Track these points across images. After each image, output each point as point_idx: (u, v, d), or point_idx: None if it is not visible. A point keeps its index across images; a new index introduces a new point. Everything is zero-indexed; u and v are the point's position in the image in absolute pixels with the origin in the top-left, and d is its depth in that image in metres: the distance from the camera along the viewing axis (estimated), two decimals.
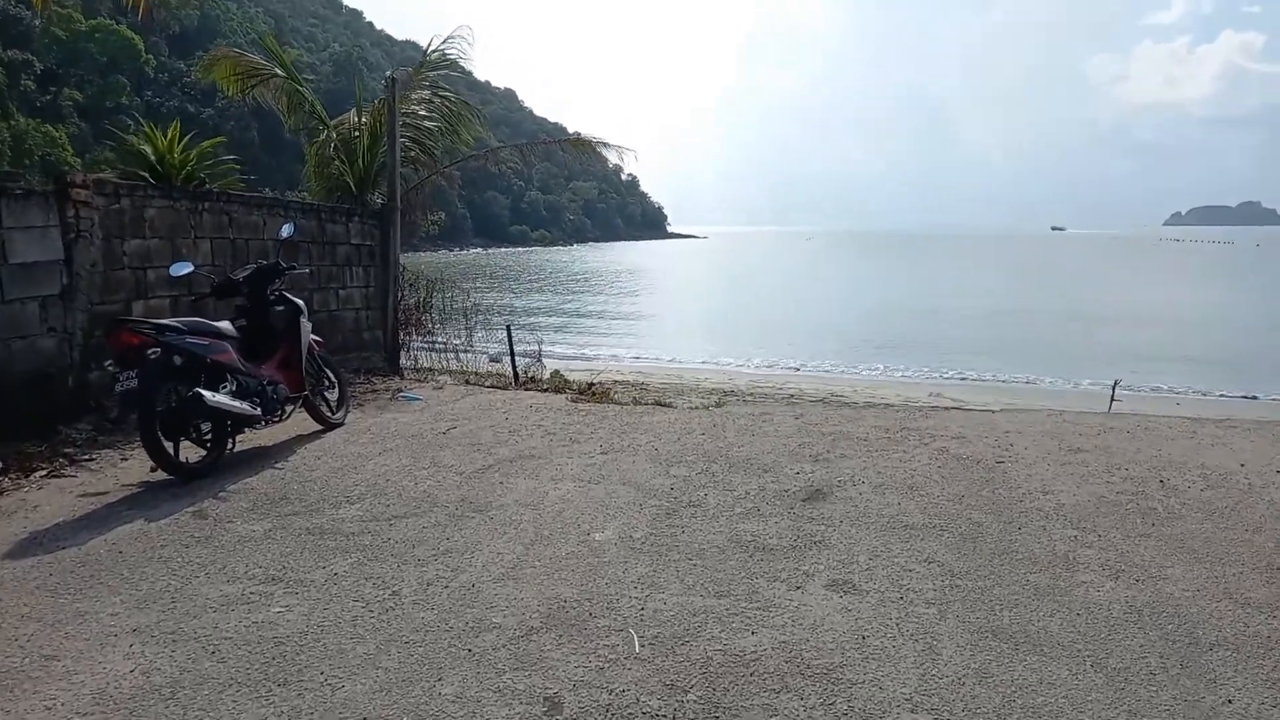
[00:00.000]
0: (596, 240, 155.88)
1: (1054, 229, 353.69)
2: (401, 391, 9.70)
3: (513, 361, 11.96)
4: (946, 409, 10.29)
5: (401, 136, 11.05)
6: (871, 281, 63.57)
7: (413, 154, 11.89)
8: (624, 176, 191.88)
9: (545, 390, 10.79)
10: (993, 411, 9.74)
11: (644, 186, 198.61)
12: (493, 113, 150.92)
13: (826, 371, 23.93)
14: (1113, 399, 14.47)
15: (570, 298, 47.19)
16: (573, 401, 9.56)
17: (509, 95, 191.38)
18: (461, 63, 12.23)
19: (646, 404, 9.85)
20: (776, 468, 6.62)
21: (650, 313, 40.57)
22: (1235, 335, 31.19)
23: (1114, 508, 5.65)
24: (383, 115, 11.07)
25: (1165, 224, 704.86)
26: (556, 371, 12.73)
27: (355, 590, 4.35)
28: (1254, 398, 19.61)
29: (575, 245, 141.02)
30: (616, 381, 17.85)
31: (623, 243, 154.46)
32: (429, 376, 11.29)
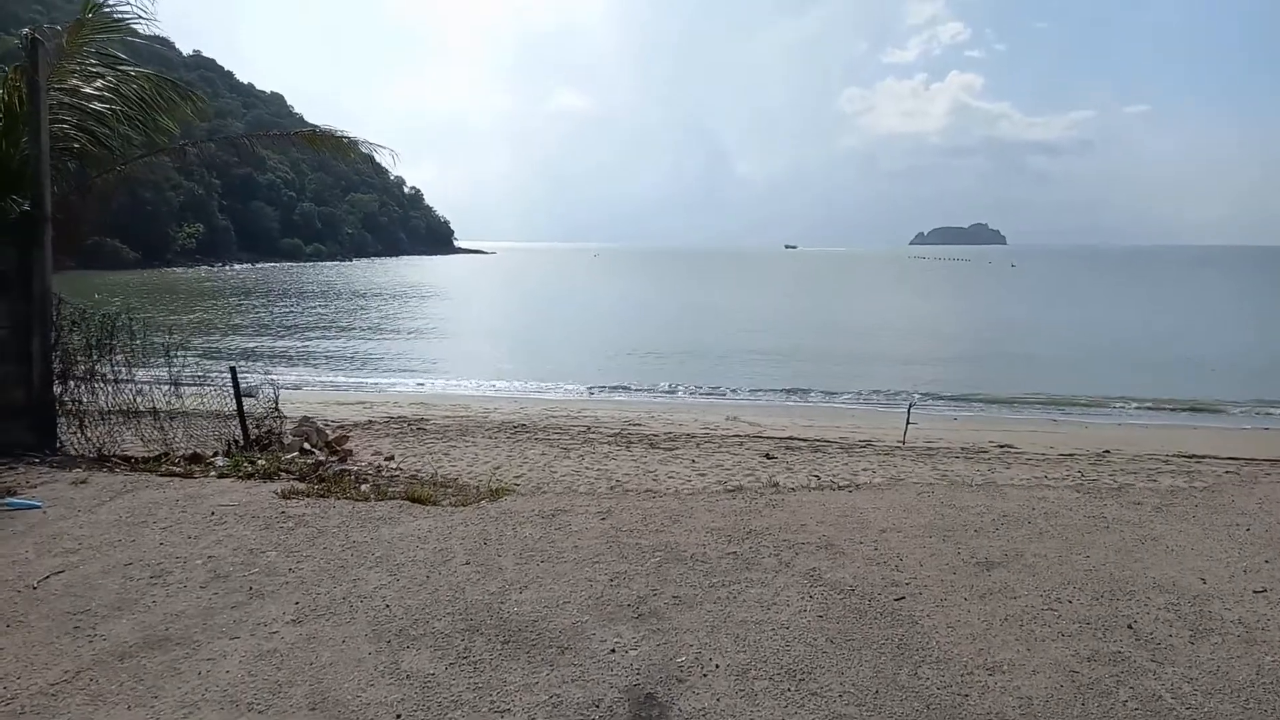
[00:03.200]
0: (378, 255, 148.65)
1: (787, 247, 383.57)
2: (6, 497, 6.64)
3: (240, 416, 9.15)
4: (793, 490, 8.00)
5: (60, 122, 8.39)
6: (652, 296, 64.41)
7: (78, 145, 8.92)
8: (407, 189, 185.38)
9: (251, 476, 7.82)
10: (848, 491, 8.01)
11: (429, 200, 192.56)
12: (257, 117, 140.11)
13: (621, 395, 23.07)
14: (908, 422, 14.45)
15: (345, 318, 43.65)
16: (284, 497, 6.91)
17: (276, 99, 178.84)
18: (141, 26, 9.10)
19: (395, 496, 7.12)
20: (579, 642, 4.39)
21: (435, 334, 38.16)
22: (989, 342, 34.13)
23: (1103, 698, 4.03)
24: (20, 88, 8.39)
25: (911, 243, 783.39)
26: (306, 419, 10.68)
27: None
28: (1023, 404, 20.87)
29: (355, 260, 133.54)
30: (390, 420, 15.89)
31: (407, 258, 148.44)
32: (100, 452, 8.34)
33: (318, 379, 24.87)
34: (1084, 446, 14.40)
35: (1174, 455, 13.54)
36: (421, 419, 16.19)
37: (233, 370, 8.78)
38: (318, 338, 34.76)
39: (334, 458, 9.62)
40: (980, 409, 21.50)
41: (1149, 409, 21.20)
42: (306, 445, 9.85)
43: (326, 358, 29.26)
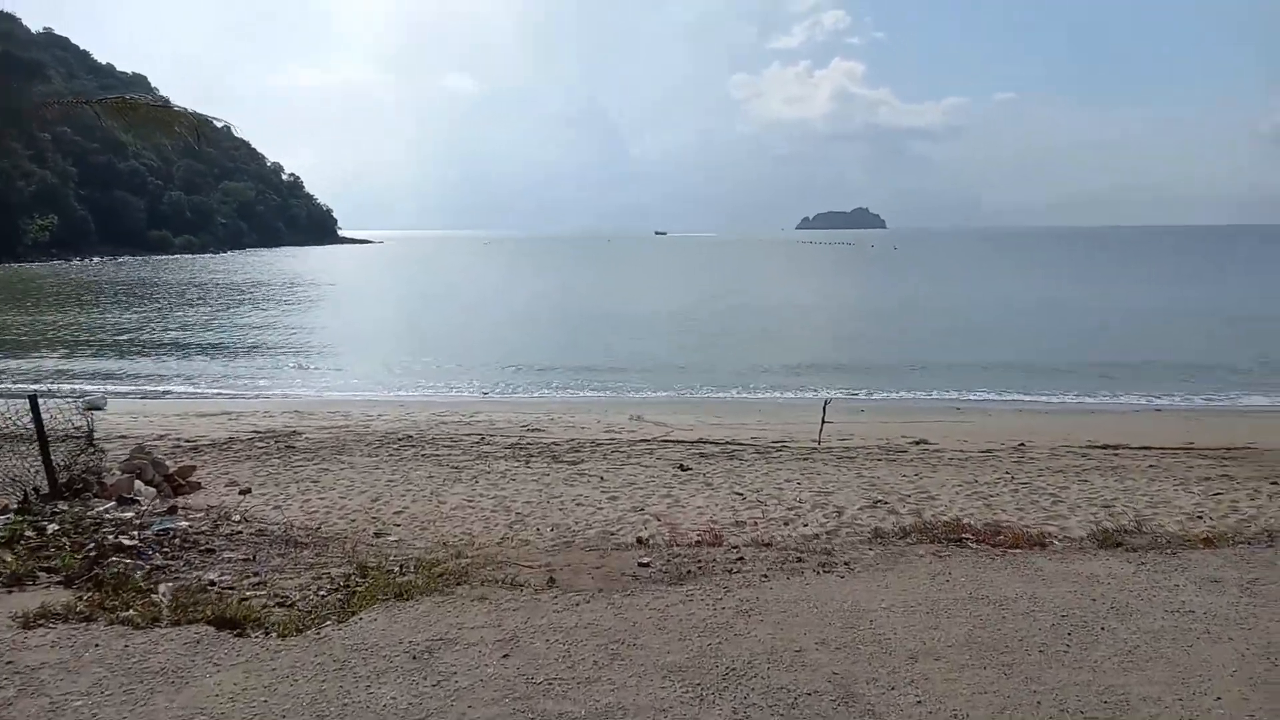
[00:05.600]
0: (255, 246, 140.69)
1: (657, 233, 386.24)
2: None
3: (44, 456, 6.96)
4: (764, 577, 5.35)
5: None
6: (544, 287, 62.83)
7: None
8: (286, 176, 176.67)
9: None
10: (839, 576, 5.47)
11: (311, 187, 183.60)
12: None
13: (516, 394, 21.71)
14: (824, 421, 13.71)
15: (213, 317, 40.39)
16: (26, 626, 4.55)
17: (138, 81, 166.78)
18: None
19: (200, 618, 4.61)
20: None
21: (314, 332, 35.64)
22: (877, 326, 34.42)
23: None
24: None
25: (798, 227, 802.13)
26: (140, 448, 8.96)
27: None
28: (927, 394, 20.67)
29: (230, 252, 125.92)
30: (255, 435, 14.07)
31: (286, 248, 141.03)
32: None
33: (177, 388, 22.46)
34: (996, 439, 14.02)
35: (1088, 446, 13.30)
36: (293, 432, 14.48)
37: (32, 400, 6.92)
38: (181, 339, 31.83)
39: (172, 499, 8.03)
40: (883, 398, 21.25)
41: (1041, 391, 21.42)
42: (139, 483, 8.21)
43: (190, 363, 26.66)
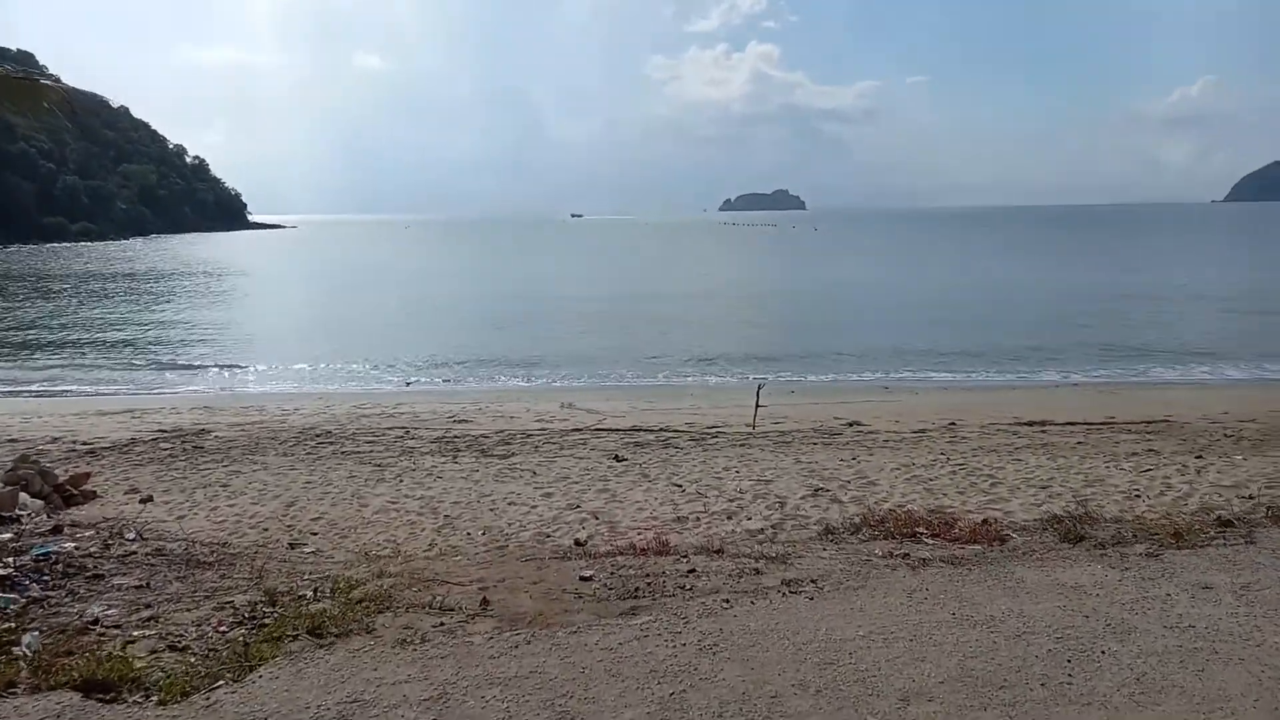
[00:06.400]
0: (160, 232, 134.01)
1: (573, 215, 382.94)
2: None
3: None
4: (727, 604, 4.80)
5: None
6: (466, 269, 61.56)
7: None
8: (190, 159, 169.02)
9: None
10: (807, 597, 4.96)
11: (217, 170, 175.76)
12: None
13: (443, 382, 21.02)
14: (757, 405, 13.53)
15: (118, 307, 38.19)
16: None
17: (24, 57, 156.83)
18: None
19: (65, 683, 3.87)
20: None
21: (227, 321, 33.98)
22: (802, 304, 34.75)
23: None
24: None
25: (720, 209, 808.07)
26: (25, 458, 8.13)
27: None
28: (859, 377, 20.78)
29: (132, 239, 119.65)
30: (161, 435, 13.13)
31: (192, 234, 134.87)
32: None
33: (71, 386, 21.03)
34: (927, 418, 14.08)
35: (1016, 423, 13.45)
36: (202, 430, 13.61)
37: None
38: (79, 333, 29.93)
39: (63, 512, 7.29)
40: (813, 377, 21.33)
41: (964, 368, 21.83)
42: (24, 496, 7.44)
43: (89, 358, 25.04)
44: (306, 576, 5.02)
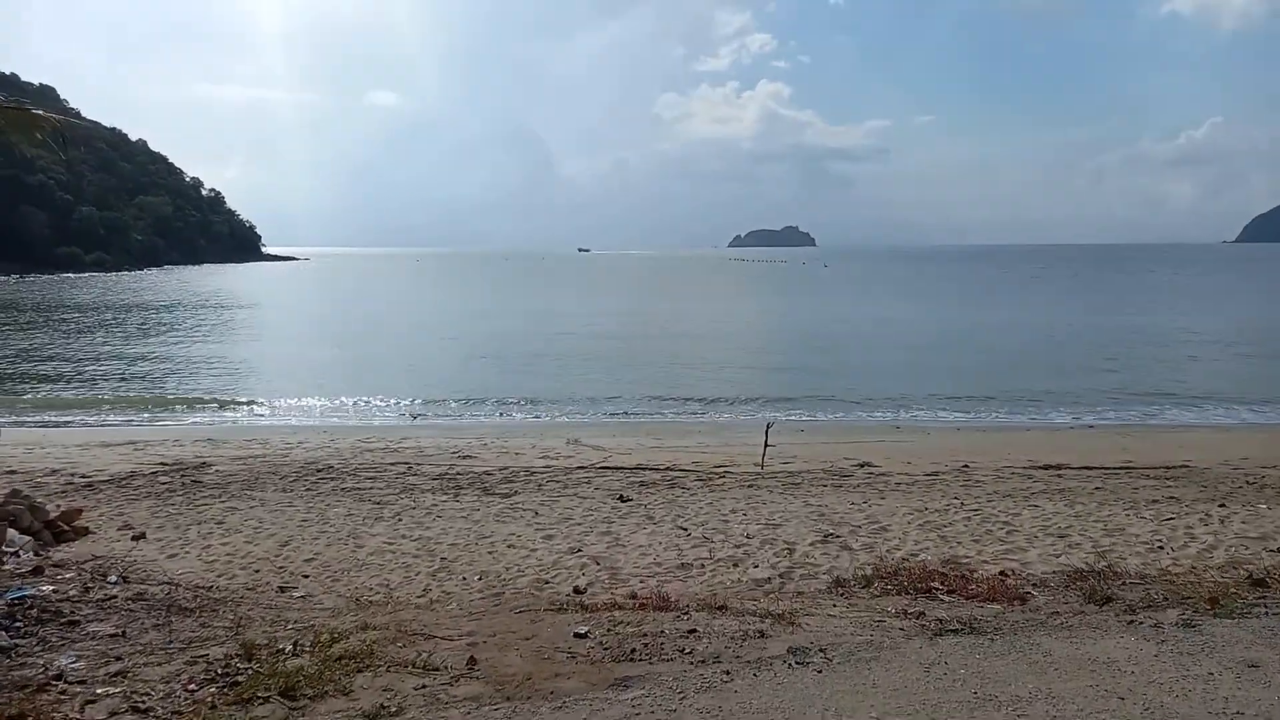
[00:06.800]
0: (175, 264, 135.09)
1: (580, 250, 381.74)
2: None
3: None
4: (728, 677, 4.22)
5: None
6: (481, 305, 61.56)
7: None
8: (205, 191, 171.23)
9: None
10: (815, 670, 4.57)
11: (233, 203, 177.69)
12: None
13: (446, 417, 20.84)
14: (766, 445, 13.27)
15: (130, 337, 38.27)
16: None
17: (47, 92, 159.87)
18: None
19: None
20: None
21: (237, 353, 33.94)
22: (815, 341, 34.49)
23: None
24: None
25: (730, 245, 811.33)
26: (16, 494, 7.92)
27: None
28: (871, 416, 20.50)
29: (147, 270, 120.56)
30: (161, 467, 12.91)
31: (208, 265, 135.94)
32: None
33: (77, 416, 20.93)
34: (940, 460, 13.78)
35: (1031, 466, 13.14)
36: (203, 463, 13.44)
37: None
38: (89, 362, 29.94)
39: (52, 549, 7.10)
40: (823, 415, 21.06)
41: (976, 409, 21.49)
42: (13, 532, 7.24)
43: (98, 387, 24.98)
44: (290, 625, 4.78)
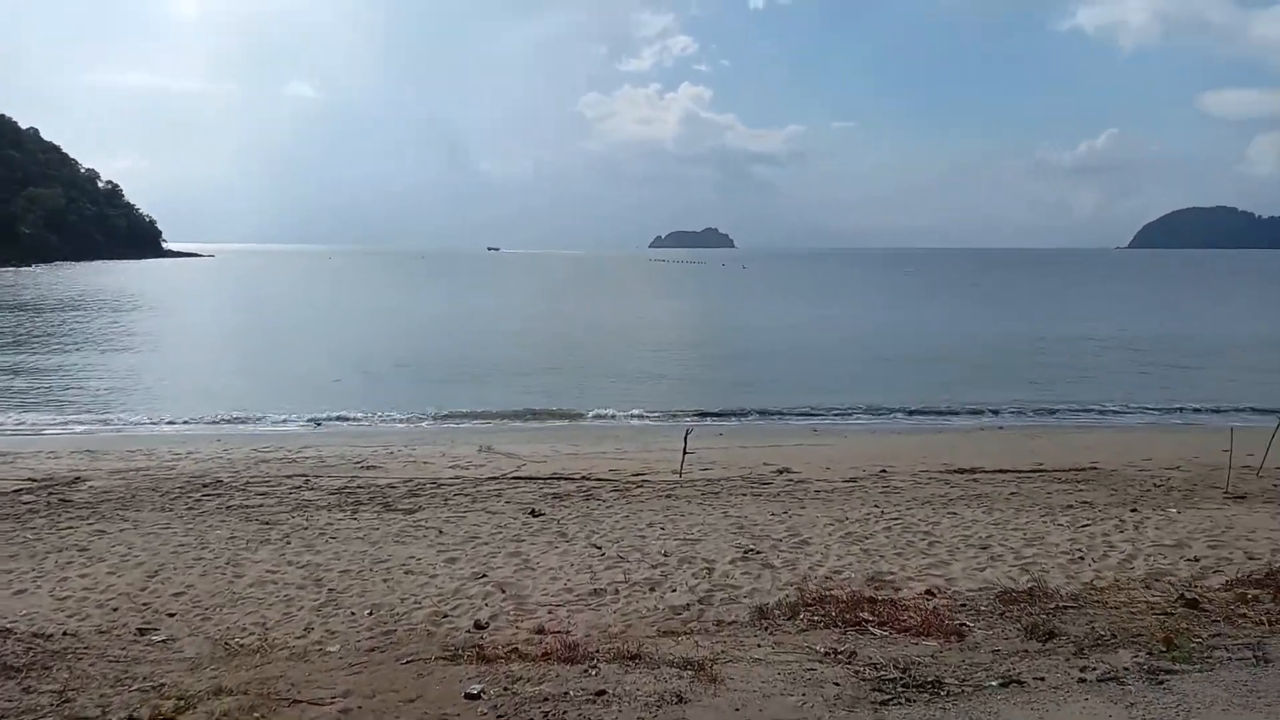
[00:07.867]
0: (67, 259, 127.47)
1: (489, 249, 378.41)
2: None
3: None
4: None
5: None
6: (387, 303, 59.84)
7: None
8: (102, 183, 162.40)
9: None
10: None
11: (133, 196, 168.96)
12: None
13: (352, 423, 19.84)
14: (685, 452, 12.89)
15: (9, 342, 35.62)
16: None
17: None
18: None
19: None
20: None
21: (128, 357, 31.86)
22: (727, 343, 34.49)
23: None
24: None
25: (651, 245, 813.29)
26: None
27: None
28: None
29: (36, 266, 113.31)
30: (25, 484, 11.76)
31: (102, 262, 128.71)
32: None
33: None
34: (858, 464, 13.65)
35: (947, 470, 13.11)
36: (77, 479, 12.35)
37: None
38: None
39: None
40: (740, 420, 20.91)
41: (886, 411, 21.64)
42: None
43: None
44: (134, 687, 4.09)
